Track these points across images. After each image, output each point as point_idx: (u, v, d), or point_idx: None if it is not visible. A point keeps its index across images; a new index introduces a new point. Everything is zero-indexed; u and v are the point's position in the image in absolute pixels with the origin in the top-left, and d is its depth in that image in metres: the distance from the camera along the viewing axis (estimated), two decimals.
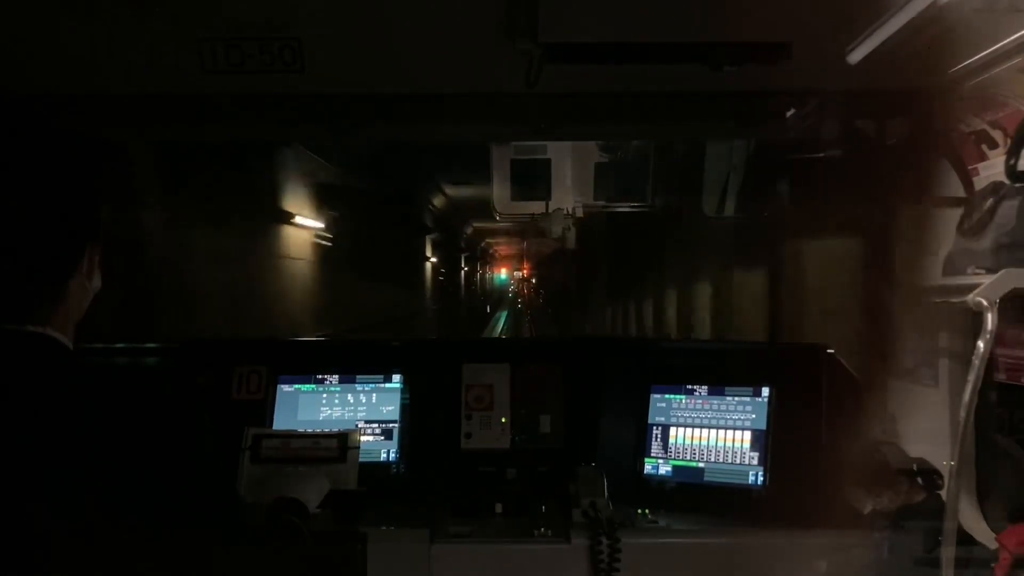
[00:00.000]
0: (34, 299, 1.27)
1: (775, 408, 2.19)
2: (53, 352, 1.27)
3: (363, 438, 2.08)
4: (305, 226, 9.06)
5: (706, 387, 2.28)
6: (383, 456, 2.35)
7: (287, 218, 8.55)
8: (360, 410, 2.40)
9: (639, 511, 2.12)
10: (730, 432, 2.22)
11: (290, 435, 1.99)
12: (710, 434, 2.24)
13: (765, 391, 2.21)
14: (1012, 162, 1.71)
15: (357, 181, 11.42)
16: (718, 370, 2.30)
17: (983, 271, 1.72)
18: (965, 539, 1.77)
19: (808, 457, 2.08)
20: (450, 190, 17.57)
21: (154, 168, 5.32)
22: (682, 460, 2.26)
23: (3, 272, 1.26)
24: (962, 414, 1.52)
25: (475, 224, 26.86)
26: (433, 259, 22.92)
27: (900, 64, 1.82)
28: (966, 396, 1.50)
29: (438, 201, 18.71)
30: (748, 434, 2.20)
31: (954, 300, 1.71)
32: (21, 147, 1.32)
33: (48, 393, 1.22)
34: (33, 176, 1.31)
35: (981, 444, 1.86)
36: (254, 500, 1.74)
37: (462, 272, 32.48)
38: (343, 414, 2.39)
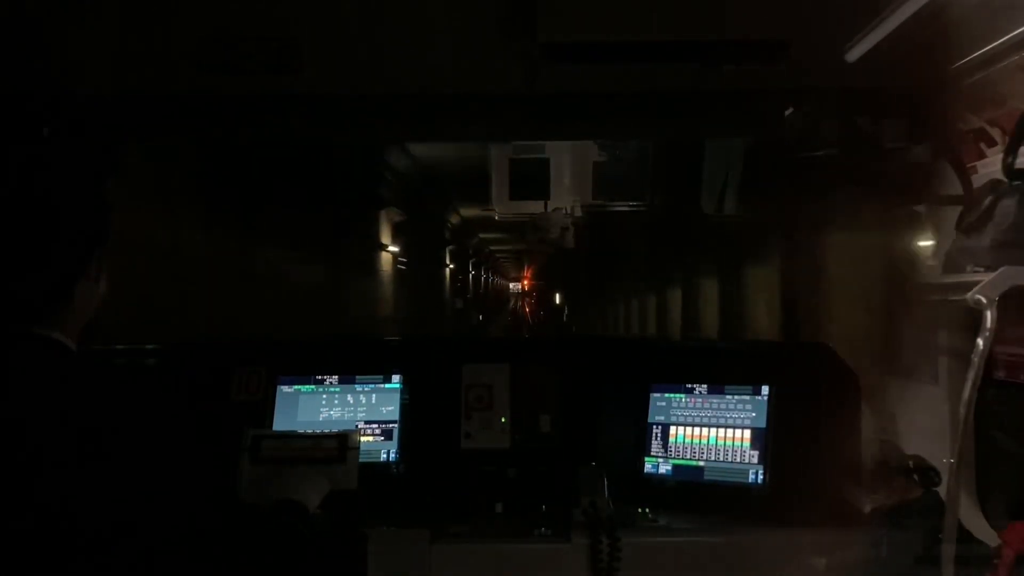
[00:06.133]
0: (41, 302, 1.28)
1: (775, 406, 2.19)
2: (58, 355, 1.27)
3: (363, 438, 2.07)
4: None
5: (706, 386, 2.27)
6: (383, 456, 2.35)
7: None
8: (360, 410, 2.39)
9: (639, 510, 2.12)
10: (730, 431, 2.22)
11: (290, 436, 1.99)
12: (710, 433, 2.24)
13: (765, 389, 2.21)
14: (1010, 160, 1.72)
15: None
16: (718, 369, 2.30)
17: (982, 269, 1.72)
18: (964, 536, 1.78)
19: (808, 455, 2.08)
20: None
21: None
22: (682, 459, 2.26)
23: (10, 274, 1.26)
24: (962, 411, 1.52)
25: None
26: None
27: (898, 62, 1.82)
28: (966, 394, 1.51)
29: None
30: (748, 432, 2.20)
31: (953, 298, 1.71)
32: (28, 149, 1.32)
33: (51, 396, 1.22)
34: (40, 178, 1.31)
35: (981, 441, 1.86)
36: (254, 501, 1.74)
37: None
38: (343, 414, 2.39)
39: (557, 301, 28.84)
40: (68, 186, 1.34)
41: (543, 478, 2.25)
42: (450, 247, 23.15)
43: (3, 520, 1.14)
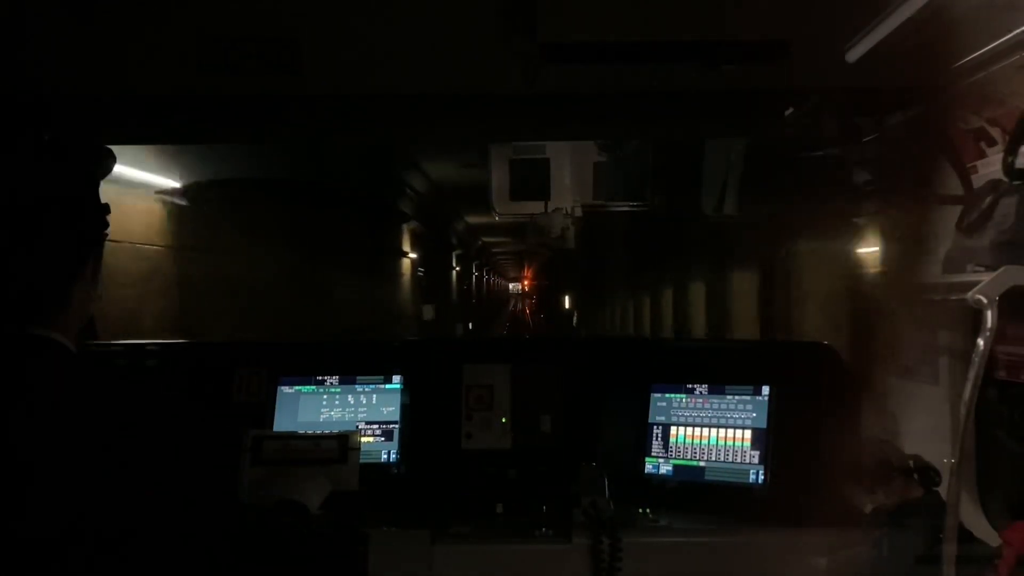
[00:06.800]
0: (38, 303, 1.28)
1: (775, 406, 2.19)
2: (56, 354, 1.28)
3: (364, 439, 2.08)
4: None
5: (706, 386, 2.28)
6: (384, 457, 2.35)
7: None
8: (361, 411, 2.39)
9: (640, 510, 2.12)
10: (730, 431, 2.22)
11: (291, 436, 1.99)
12: (710, 433, 2.24)
13: (765, 389, 2.21)
14: (1010, 160, 1.71)
15: None
16: (718, 369, 2.30)
17: (982, 269, 1.72)
18: (965, 536, 1.78)
19: (808, 455, 2.08)
20: None
21: None
22: (683, 459, 2.26)
23: (8, 276, 1.27)
24: (962, 412, 1.51)
25: None
26: None
27: (899, 62, 1.82)
28: (966, 394, 1.50)
29: None
30: (748, 432, 2.20)
31: (954, 298, 1.71)
32: (25, 152, 1.32)
33: (50, 394, 1.22)
34: (38, 181, 1.31)
35: (981, 441, 1.86)
36: (255, 502, 1.74)
37: None
38: (343, 415, 2.39)
39: (567, 305, 25.07)
40: (65, 187, 1.34)
41: (544, 478, 2.25)
42: (409, 225, 15.59)
43: (4, 521, 1.14)
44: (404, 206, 14.56)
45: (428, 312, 15.83)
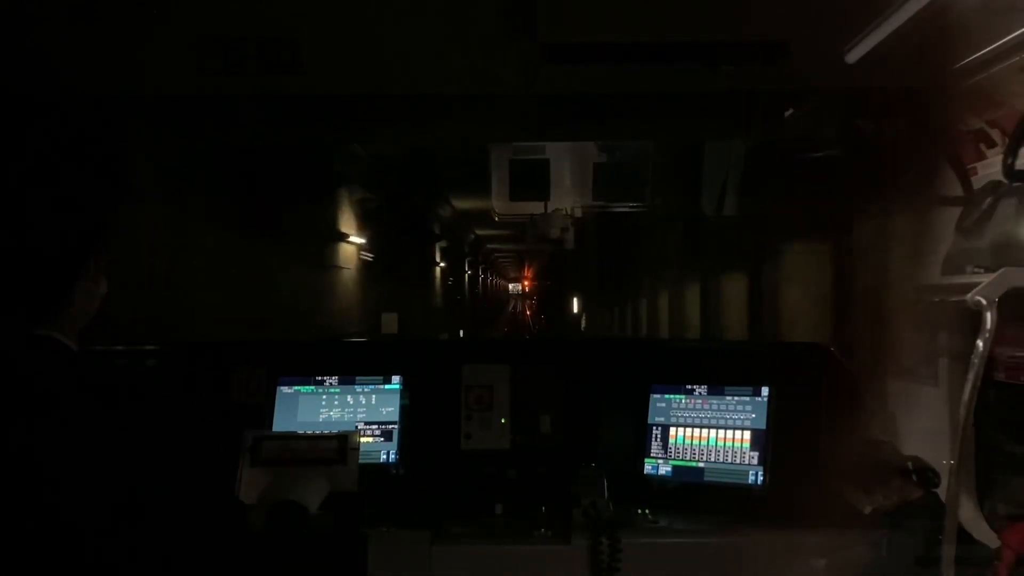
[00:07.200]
0: (41, 303, 1.28)
1: (775, 407, 2.18)
2: (58, 353, 1.28)
3: (363, 439, 2.08)
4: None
5: (706, 387, 2.27)
6: (383, 457, 2.35)
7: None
8: (360, 411, 2.39)
9: (639, 511, 2.12)
10: (730, 432, 2.22)
11: (290, 437, 1.99)
12: (710, 434, 2.24)
13: (765, 391, 2.21)
14: (1010, 161, 1.71)
15: None
16: (718, 370, 2.29)
17: (982, 270, 1.72)
18: (964, 538, 1.78)
19: (808, 456, 2.08)
20: None
21: None
22: (682, 460, 2.26)
23: (11, 276, 1.27)
24: (962, 413, 1.52)
25: None
26: None
27: (898, 63, 1.82)
28: (965, 395, 1.50)
29: None
30: (748, 433, 2.20)
31: (953, 299, 1.71)
32: (27, 152, 1.33)
33: (51, 394, 1.22)
34: (39, 181, 1.32)
35: (980, 443, 1.86)
36: (254, 502, 1.75)
37: None
38: (343, 415, 2.39)
39: (575, 309, 22.99)
40: (66, 187, 1.34)
41: (543, 479, 2.25)
42: (352, 194, 11.02)
43: (5, 519, 1.14)
44: (343, 166, 9.71)
45: (389, 323, 11.48)
